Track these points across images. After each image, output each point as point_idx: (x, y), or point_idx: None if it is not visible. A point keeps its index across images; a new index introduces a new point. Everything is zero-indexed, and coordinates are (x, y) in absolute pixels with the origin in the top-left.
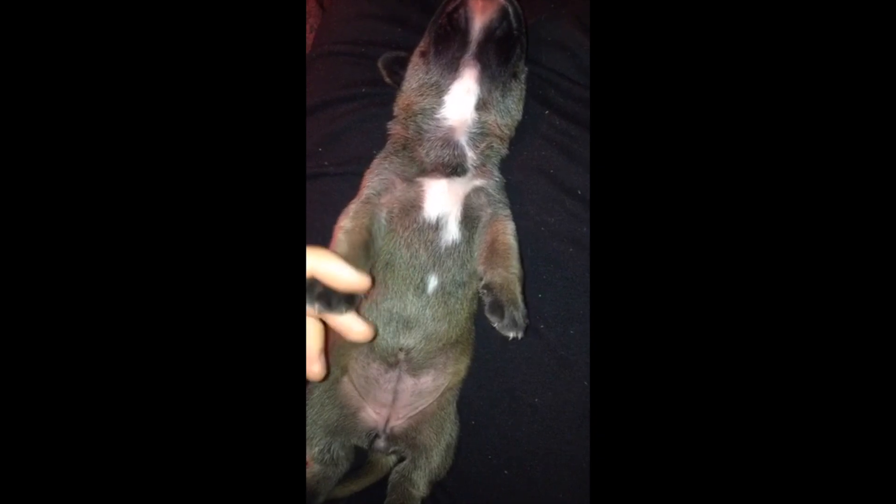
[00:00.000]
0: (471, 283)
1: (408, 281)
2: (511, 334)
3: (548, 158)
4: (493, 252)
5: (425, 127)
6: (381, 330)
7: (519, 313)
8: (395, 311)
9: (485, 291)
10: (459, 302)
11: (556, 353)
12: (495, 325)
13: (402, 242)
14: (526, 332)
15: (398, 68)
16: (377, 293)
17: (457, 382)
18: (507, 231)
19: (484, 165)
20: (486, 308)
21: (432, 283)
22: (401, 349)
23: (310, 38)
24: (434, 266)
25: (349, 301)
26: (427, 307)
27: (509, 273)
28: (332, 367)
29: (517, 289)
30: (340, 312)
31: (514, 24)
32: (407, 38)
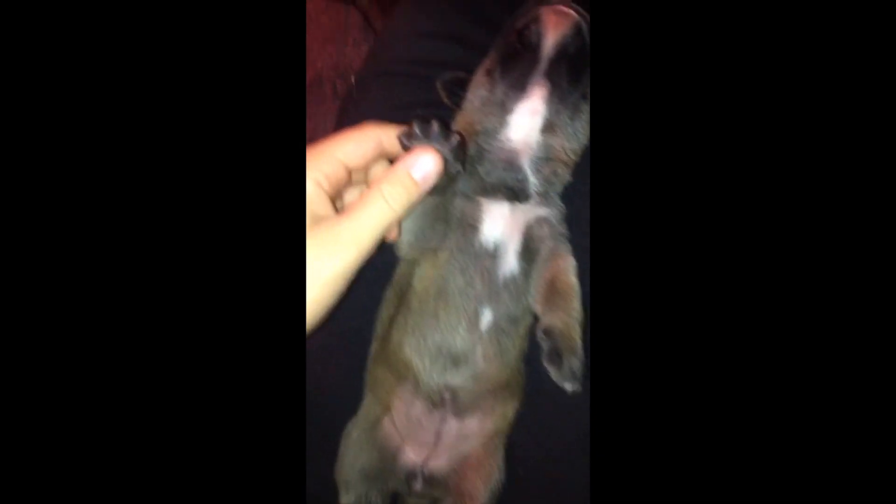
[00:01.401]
0: (524, 319)
1: (461, 312)
2: (569, 386)
3: None
4: (554, 291)
5: (487, 147)
6: (427, 366)
7: (578, 363)
8: (444, 345)
9: (543, 336)
10: (512, 340)
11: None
12: (552, 374)
13: (457, 267)
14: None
15: (458, 89)
16: (426, 324)
17: (504, 426)
18: (569, 269)
19: (547, 193)
20: (544, 356)
21: (486, 317)
22: (447, 388)
23: (353, 52)
24: (489, 298)
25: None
26: (478, 344)
27: (570, 317)
28: (373, 406)
29: (578, 335)
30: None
31: (588, 41)
32: (467, 57)
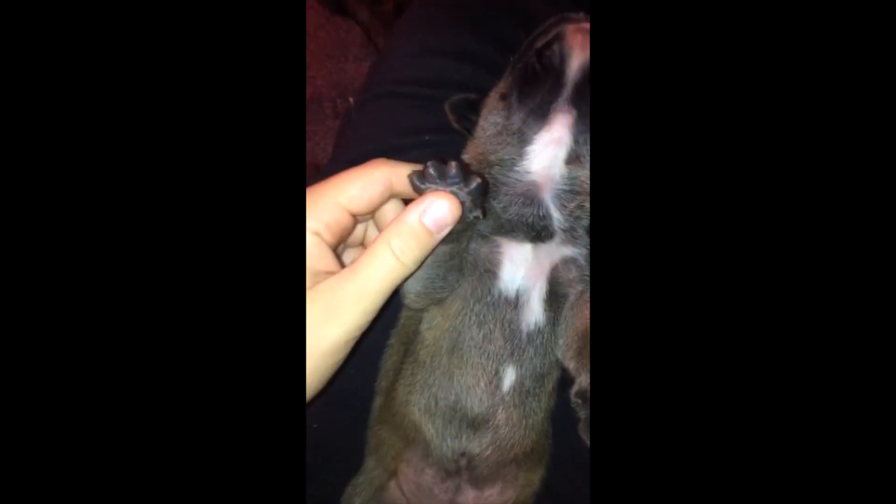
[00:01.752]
0: (551, 375)
1: (479, 371)
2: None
3: None
4: (587, 344)
5: (503, 180)
6: (439, 430)
7: None
8: (459, 408)
9: (579, 401)
10: (538, 401)
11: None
12: (588, 443)
13: (474, 318)
14: None
15: (469, 113)
16: (438, 382)
17: (529, 495)
18: None
19: (574, 230)
20: (581, 426)
21: (509, 376)
22: (463, 455)
23: (354, 69)
24: (512, 355)
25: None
26: (500, 408)
27: None
28: (376, 469)
29: None
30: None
31: None
32: (479, 77)
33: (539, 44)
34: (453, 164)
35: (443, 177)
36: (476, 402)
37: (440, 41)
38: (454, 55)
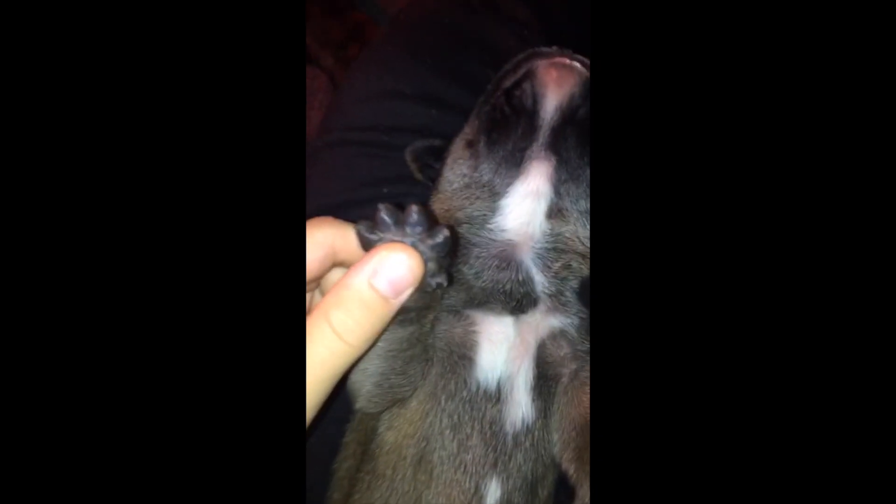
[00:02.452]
0: (546, 479)
1: (454, 490)
2: None
3: None
4: (588, 441)
5: (475, 240)
6: None
7: None
8: None
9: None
10: None
11: None
12: None
13: (446, 421)
14: None
15: (432, 161)
16: (401, 501)
17: None
18: None
19: (560, 294)
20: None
21: (493, 494)
22: None
23: (320, 117)
24: (496, 465)
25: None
26: None
27: None
28: None
29: None
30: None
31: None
32: (442, 121)
33: (508, 83)
34: (413, 208)
35: (400, 224)
36: None
37: (399, 82)
38: (415, 97)
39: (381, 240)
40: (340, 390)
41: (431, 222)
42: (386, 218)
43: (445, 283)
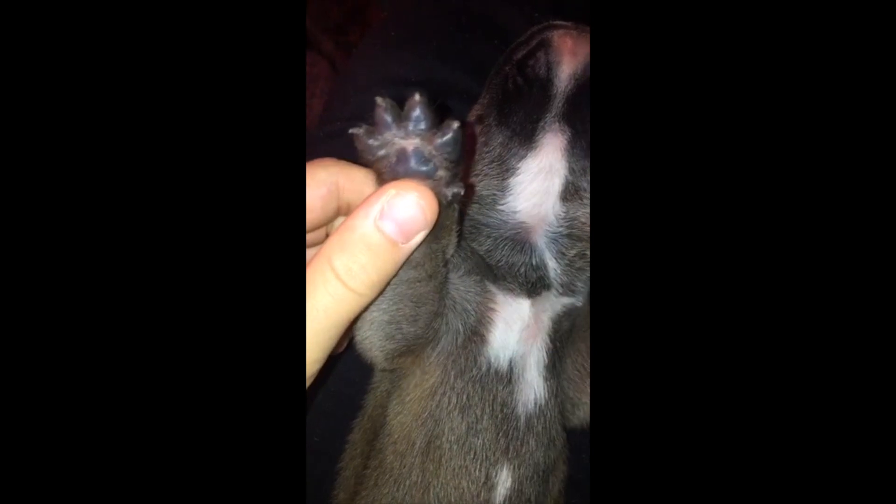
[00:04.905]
0: (557, 470)
1: (464, 479)
2: None
3: None
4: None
5: (484, 220)
6: None
7: None
8: None
9: None
10: None
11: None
12: None
13: (455, 400)
14: None
15: None
16: (411, 498)
17: None
18: None
19: (573, 284)
20: None
21: (503, 482)
22: None
23: (321, 105)
24: (507, 451)
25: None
26: None
27: None
28: None
29: None
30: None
31: None
32: (452, 107)
33: (520, 53)
34: (416, 99)
35: (402, 121)
36: None
37: (403, 69)
38: (420, 84)
39: (381, 145)
40: (349, 347)
41: (437, 118)
42: (386, 116)
43: (462, 192)
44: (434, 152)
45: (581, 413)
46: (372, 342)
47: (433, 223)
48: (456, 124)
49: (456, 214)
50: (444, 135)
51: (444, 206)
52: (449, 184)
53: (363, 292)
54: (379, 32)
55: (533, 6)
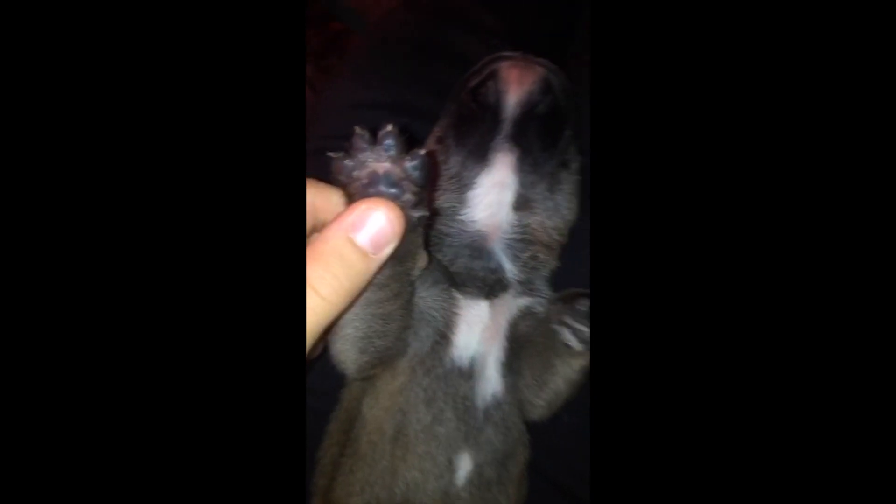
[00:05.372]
0: (516, 456)
1: (428, 463)
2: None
3: None
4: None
5: (446, 230)
6: None
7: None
8: None
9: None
10: (503, 490)
11: None
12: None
13: (421, 395)
14: None
15: None
16: (380, 479)
17: None
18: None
19: (530, 282)
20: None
21: (464, 466)
22: None
23: None
24: (467, 439)
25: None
26: None
27: None
28: None
29: None
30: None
31: (563, 99)
32: (416, 128)
33: (473, 82)
34: (387, 128)
35: (375, 146)
36: (427, 501)
37: (373, 94)
38: (388, 106)
39: (355, 166)
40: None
41: (406, 146)
42: (361, 142)
43: (426, 215)
44: (402, 176)
45: (538, 412)
46: (347, 356)
47: (401, 235)
48: (423, 152)
49: (420, 240)
50: (411, 160)
51: (409, 230)
52: (415, 206)
53: (335, 301)
54: (352, 60)
55: (491, 34)
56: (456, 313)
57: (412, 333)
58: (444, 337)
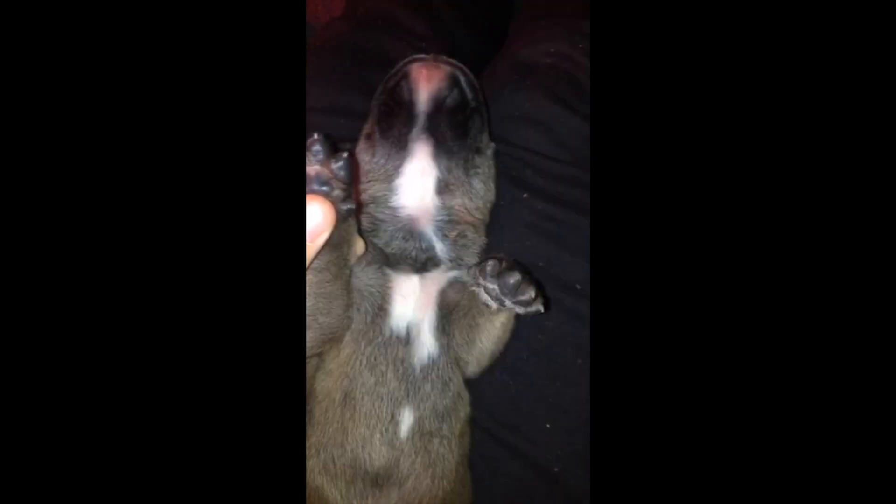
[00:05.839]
0: (456, 412)
1: (373, 419)
2: (530, 307)
3: (534, 249)
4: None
5: (381, 217)
6: (343, 493)
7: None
8: (358, 464)
9: (474, 268)
10: (445, 442)
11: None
12: (522, 304)
13: (365, 362)
14: (537, 467)
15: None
16: (334, 440)
17: None
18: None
19: (460, 258)
20: (474, 270)
21: (406, 420)
22: None
23: None
24: (407, 395)
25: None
26: (402, 456)
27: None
28: None
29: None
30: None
31: (469, 93)
32: (352, 127)
33: (391, 83)
34: (314, 136)
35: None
36: (375, 454)
37: (310, 100)
38: (325, 110)
39: None
40: None
41: (333, 148)
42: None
43: (354, 207)
44: (330, 176)
45: (470, 368)
46: None
47: (333, 225)
48: (345, 154)
49: (353, 228)
50: (336, 162)
51: (340, 220)
52: (343, 201)
53: None
54: None
55: (420, 38)
56: (391, 287)
57: (354, 310)
58: (381, 309)
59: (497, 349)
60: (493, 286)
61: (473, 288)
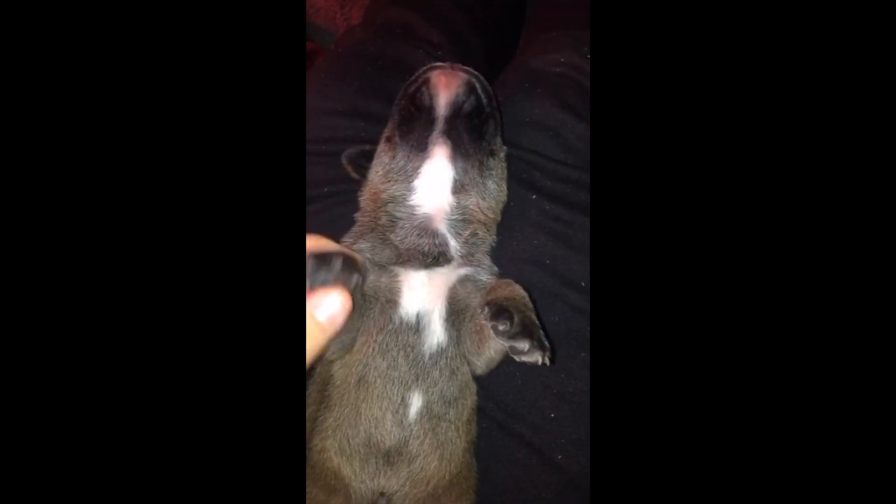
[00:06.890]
0: (464, 399)
1: (385, 401)
2: (541, 357)
3: (541, 248)
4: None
5: (398, 215)
6: (357, 471)
7: (536, 327)
8: (372, 443)
9: (483, 308)
10: (452, 427)
11: (579, 488)
12: (522, 353)
13: (377, 349)
14: (541, 455)
15: (364, 161)
16: (349, 420)
17: None
18: (509, 284)
19: (471, 255)
20: (487, 314)
21: (416, 403)
22: (381, 494)
23: None
24: (417, 379)
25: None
26: (411, 437)
27: (515, 292)
28: None
29: (529, 304)
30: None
31: (484, 98)
32: (371, 131)
33: (411, 89)
34: (336, 259)
35: (329, 271)
36: (386, 434)
37: (331, 102)
38: (345, 113)
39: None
40: None
41: (326, 258)
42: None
43: (362, 281)
44: (351, 283)
45: (479, 366)
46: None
47: (349, 311)
48: (340, 259)
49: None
50: (352, 277)
51: (352, 289)
52: (347, 281)
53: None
54: (315, 75)
55: (436, 47)
56: (399, 281)
57: (368, 309)
58: (391, 302)
59: (505, 357)
60: (502, 341)
61: (481, 319)
